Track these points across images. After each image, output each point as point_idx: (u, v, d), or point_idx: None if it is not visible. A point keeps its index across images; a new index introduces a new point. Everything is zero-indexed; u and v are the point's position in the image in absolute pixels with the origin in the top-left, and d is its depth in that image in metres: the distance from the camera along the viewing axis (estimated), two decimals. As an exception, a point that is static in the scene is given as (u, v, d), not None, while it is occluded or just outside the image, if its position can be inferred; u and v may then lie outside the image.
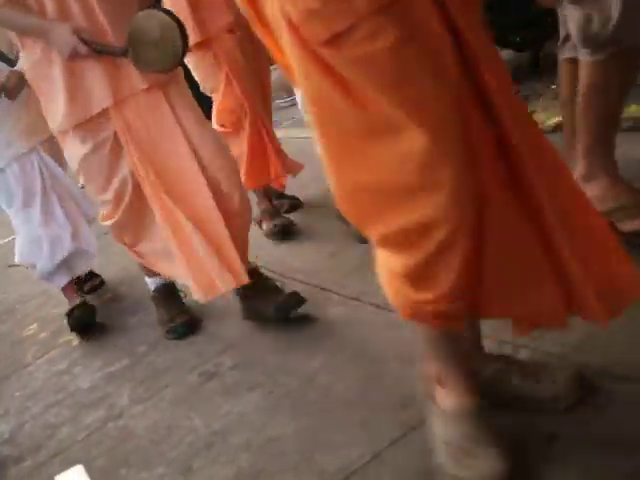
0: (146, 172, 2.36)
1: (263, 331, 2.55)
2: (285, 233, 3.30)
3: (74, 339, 3.16)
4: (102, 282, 3.71)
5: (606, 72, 2.03)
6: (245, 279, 2.40)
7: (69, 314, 3.18)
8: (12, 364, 3.20)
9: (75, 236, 3.20)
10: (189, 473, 1.92)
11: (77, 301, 3.22)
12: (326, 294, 2.64)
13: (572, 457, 1.45)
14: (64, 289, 3.31)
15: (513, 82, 1.48)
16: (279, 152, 3.25)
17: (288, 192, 3.63)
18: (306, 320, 2.47)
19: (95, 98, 2.29)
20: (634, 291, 1.41)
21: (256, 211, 3.20)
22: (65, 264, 3.22)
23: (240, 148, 3.14)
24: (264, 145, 3.17)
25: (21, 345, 3.41)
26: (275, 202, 3.52)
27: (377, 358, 2.09)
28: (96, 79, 2.27)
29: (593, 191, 2.07)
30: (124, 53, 2.23)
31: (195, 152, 2.36)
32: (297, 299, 2.48)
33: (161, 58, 2.21)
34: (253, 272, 2.52)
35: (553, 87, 3.54)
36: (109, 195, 2.47)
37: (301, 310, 2.47)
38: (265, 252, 3.08)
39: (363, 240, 2.86)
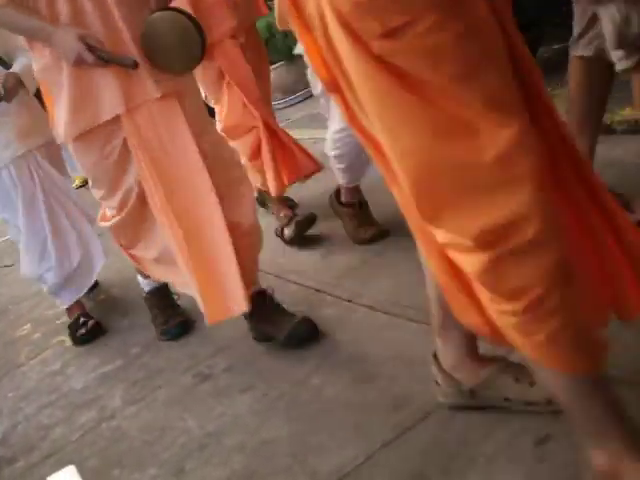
0: (153, 182, 2.24)
1: (257, 332, 2.55)
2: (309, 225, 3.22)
3: (67, 340, 3.16)
4: (96, 283, 3.69)
5: None
6: (243, 308, 2.25)
7: (74, 329, 3.14)
8: (5, 365, 3.19)
9: (80, 241, 3.13)
10: (182, 474, 1.92)
11: (78, 314, 3.18)
12: (319, 295, 2.64)
13: (564, 458, 1.45)
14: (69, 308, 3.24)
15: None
16: (299, 146, 3.22)
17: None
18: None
19: (106, 105, 2.16)
20: None
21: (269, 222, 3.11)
22: (72, 279, 3.14)
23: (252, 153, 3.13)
24: (285, 143, 3.13)
25: (14, 346, 3.40)
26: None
27: (370, 360, 2.10)
28: (107, 85, 2.15)
29: None
30: (133, 65, 2.09)
31: (206, 164, 2.23)
32: (309, 328, 2.36)
33: (178, 59, 2.13)
34: (260, 294, 2.42)
35: (548, 90, 3.55)
36: (114, 202, 2.40)
37: (295, 311, 2.46)
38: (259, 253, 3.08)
39: (361, 241, 2.89)
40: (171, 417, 2.21)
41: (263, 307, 2.40)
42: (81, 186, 5.32)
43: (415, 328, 2.12)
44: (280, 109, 6.18)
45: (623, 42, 1.98)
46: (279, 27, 2.24)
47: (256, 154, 3.15)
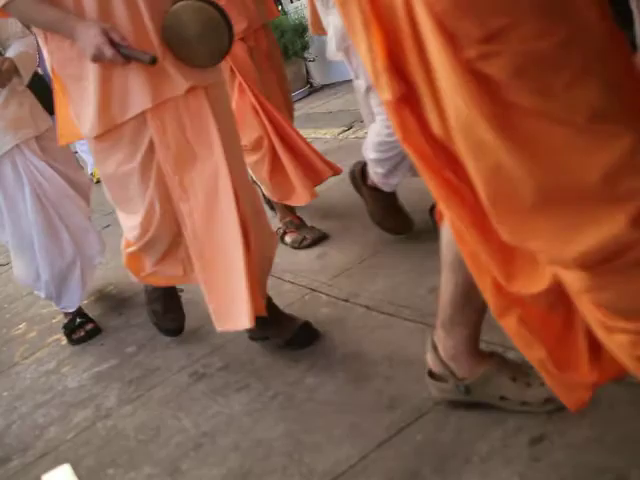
0: (179, 179, 2.16)
1: (252, 332, 2.55)
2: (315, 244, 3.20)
3: (62, 339, 3.15)
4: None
5: None
6: (246, 324, 2.13)
7: (70, 329, 3.11)
8: (0, 364, 3.18)
9: (73, 238, 3.04)
10: (177, 473, 1.92)
11: (74, 313, 3.14)
12: (315, 295, 2.65)
13: (559, 458, 1.46)
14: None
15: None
16: (315, 151, 3.21)
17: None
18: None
19: (133, 100, 2.06)
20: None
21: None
22: (66, 279, 3.06)
23: (269, 164, 3.09)
24: (301, 147, 3.11)
25: (9, 345, 3.39)
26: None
27: (366, 359, 2.10)
28: (134, 80, 2.03)
29: None
30: (152, 61, 1.96)
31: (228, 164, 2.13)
32: (309, 334, 2.33)
33: (204, 51, 2.02)
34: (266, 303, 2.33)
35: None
36: (136, 219, 2.27)
37: (290, 311, 2.47)
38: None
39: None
40: (166, 416, 2.21)
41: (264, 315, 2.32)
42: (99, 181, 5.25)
43: (411, 328, 2.13)
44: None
45: None
46: (312, 32, 2.18)
47: (275, 170, 3.12)
